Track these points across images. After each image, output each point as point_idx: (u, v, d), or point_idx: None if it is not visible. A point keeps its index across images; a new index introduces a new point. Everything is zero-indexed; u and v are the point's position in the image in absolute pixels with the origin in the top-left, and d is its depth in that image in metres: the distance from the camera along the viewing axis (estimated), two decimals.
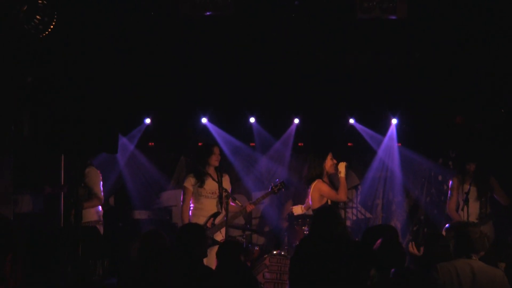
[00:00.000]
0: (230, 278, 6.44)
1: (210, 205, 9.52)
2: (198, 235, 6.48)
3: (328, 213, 6.77)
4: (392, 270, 5.31)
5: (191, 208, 9.54)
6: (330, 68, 10.61)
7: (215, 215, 9.40)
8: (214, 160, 9.64)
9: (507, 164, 10.44)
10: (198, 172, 9.60)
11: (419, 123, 11.70)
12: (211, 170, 9.61)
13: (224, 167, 11.98)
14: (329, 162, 9.93)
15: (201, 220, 9.26)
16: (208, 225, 9.28)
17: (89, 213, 8.95)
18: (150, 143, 12.20)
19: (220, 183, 9.55)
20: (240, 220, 12.00)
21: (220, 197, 9.51)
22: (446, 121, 11.49)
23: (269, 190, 9.83)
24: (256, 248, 10.57)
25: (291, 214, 11.71)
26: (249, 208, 9.67)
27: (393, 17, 8.65)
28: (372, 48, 10.13)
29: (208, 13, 8.64)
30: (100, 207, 9.23)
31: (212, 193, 9.54)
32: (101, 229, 9.07)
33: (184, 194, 9.58)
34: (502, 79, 10.14)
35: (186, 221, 9.31)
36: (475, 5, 8.83)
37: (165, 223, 11.29)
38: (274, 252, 10.00)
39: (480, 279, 5.84)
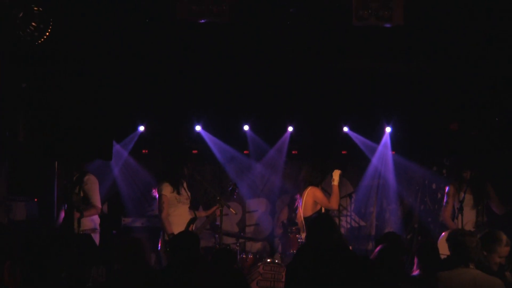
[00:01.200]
0: (224, 286, 6.43)
1: (186, 211, 9.54)
2: (196, 243, 6.46)
3: (324, 220, 6.74)
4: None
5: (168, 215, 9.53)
6: (324, 76, 10.60)
7: (193, 221, 9.38)
8: (186, 173, 9.70)
9: (502, 171, 10.43)
10: (173, 180, 9.58)
11: (413, 131, 11.72)
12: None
13: (217, 175, 12.06)
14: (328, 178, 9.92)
15: (181, 228, 9.19)
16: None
17: (85, 220, 8.92)
18: (144, 150, 12.18)
19: (186, 190, 9.63)
20: (234, 228, 12.01)
21: (190, 203, 9.62)
22: (440, 129, 11.50)
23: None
24: (250, 256, 10.54)
25: (285, 222, 11.73)
26: (217, 212, 9.58)
27: (388, 25, 8.63)
28: (366, 56, 10.12)
29: (203, 21, 8.61)
30: (96, 215, 9.21)
31: (187, 199, 9.60)
32: (96, 237, 9.04)
33: (162, 203, 9.47)
34: (496, 86, 10.14)
35: (170, 230, 9.30)
36: (471, 13, 8.84)
37: (158, 231, 11.24)
38: (268, 260, 9.98)
39: (482, 286, 5.83)
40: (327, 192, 10.06)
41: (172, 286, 5.92)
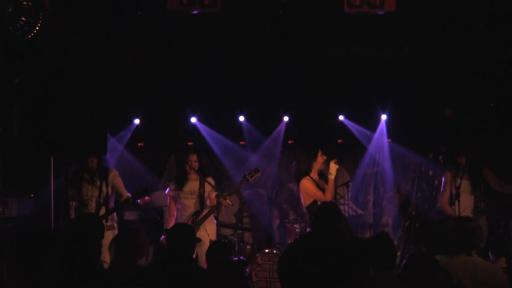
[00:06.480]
0: (222, 278, 6.40)
1: (189, 206, 9.68)
2: (189, 235, 6.44)
3: (330, 209, 6.66)
4: (407, 255, 5.17)
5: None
6: (318, 64, 10.56)
7: (196, 213, 9.49)
8: (189, 167, 9.63)
9: (498, 156, 10.40)
10: (177, 178, 9.83)
11: (409, 118, 11.68)
12: (192, 174, 9.71)
13: (213, 167, 12.01)
14: (319, 159, 9.40)
15: (183, 220, 9.52)
16: (189, 222, 9.35)
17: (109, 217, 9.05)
18: (139, 143, 12.14)
19: (202, 184, 9.69)
20: (232, 219, 12.00)
21: (199, 197, 9.66)
22: (435, 115, 11.46)
23: (242, 178, 9.87)
24: (248, 246, 10.54)
25: (282, 212, 11.70)
26: (224, 203, 9.49)
27: (381, 12, 8.60)
28: (359, 43, 10.08)
29: (195, 12, 8.58)
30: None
31: (191, 193, 9.70)
32: (115, 233, 9.10)
33: (167, 202, 9.89)
34: (490, 71, 10.11)
35: (167, 227, 9.56)
36: None
37: (155, 223, 11.24)
38: (266, 250, 9.97)
39: (481, 275, 5.79)
40: (325, 176, 9.66)
41: (166, 279, 5.89)
